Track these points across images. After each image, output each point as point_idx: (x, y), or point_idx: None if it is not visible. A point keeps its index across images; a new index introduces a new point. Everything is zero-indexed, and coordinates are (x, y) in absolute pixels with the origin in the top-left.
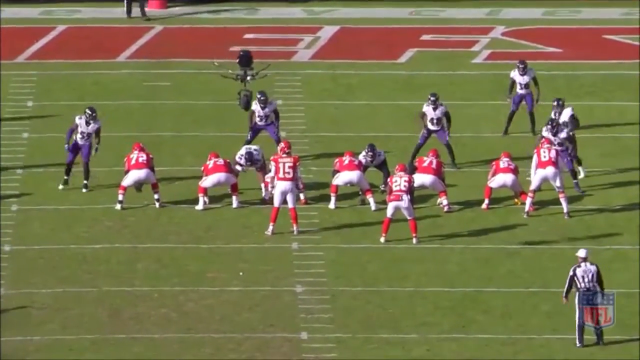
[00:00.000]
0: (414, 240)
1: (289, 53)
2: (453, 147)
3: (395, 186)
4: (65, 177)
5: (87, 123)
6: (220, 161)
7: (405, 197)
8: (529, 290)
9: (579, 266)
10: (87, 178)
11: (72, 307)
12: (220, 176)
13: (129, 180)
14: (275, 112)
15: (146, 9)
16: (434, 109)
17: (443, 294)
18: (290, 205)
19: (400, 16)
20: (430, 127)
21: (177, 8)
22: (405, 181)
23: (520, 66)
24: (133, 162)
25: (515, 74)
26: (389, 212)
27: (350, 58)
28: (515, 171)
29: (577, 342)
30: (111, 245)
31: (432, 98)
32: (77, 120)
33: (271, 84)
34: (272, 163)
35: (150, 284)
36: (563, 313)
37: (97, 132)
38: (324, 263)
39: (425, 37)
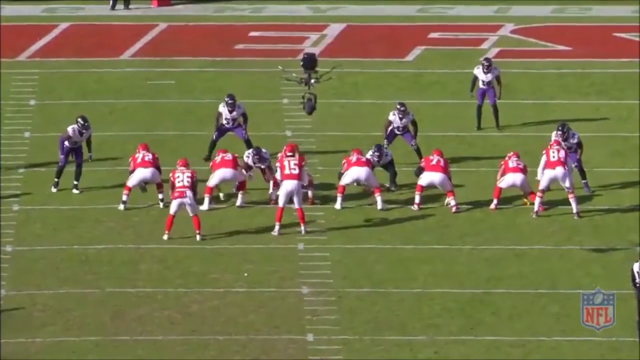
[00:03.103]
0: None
1: (294, 51)
2: (457, 145)
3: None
4: (57, 180)
5: (80, 133)
6: (228, 156)
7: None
8: (538, 292)
9: (637, 261)
10: (78, 179)
11: (75, 308)
12: (226, 172)
13: (134, 179)
14: (244, 116)
15: (130, 3)
16: (401, 119)
17: (451, 295)
18: (296, 205)
19: (408, 14)
20: (396, 132)
21: (181, 5)
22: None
23: (485, 64)
24: (139, 160)
25: (478, 72)
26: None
27: (356, 56)
28: (524, 170)
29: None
30: (114, 246)
31: (400, 108)
32: (70, 131)
33: (278, 81)
34: (277, 164)
35: (153, 285)
36: (572, 315)
37: (89, 139)
38: (330, 264)
39: (433, 35)
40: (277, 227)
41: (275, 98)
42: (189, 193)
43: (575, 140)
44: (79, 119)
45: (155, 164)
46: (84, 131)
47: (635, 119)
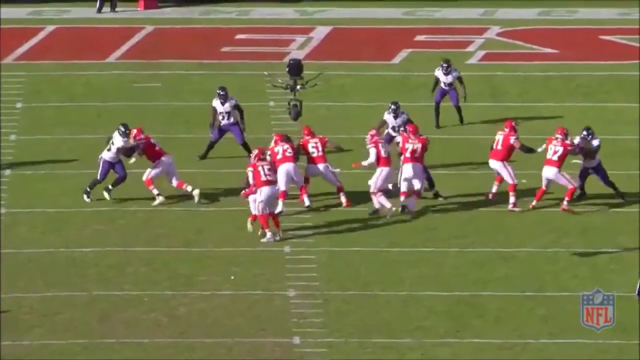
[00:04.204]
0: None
1: (281, 54)
2: (444, 148)
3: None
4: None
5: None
6: (290, 150)
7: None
8: (525, 294)
9: None
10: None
11: (62, 311)
12: (289, 167)
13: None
14: (239, 109)
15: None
16: (395, 118)
17: (438, 298)
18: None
19: (394, 16)
20: (392, 133)
21: (168, 8)
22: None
23: (444, 65)
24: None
25: (439, 73)
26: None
27: (343, 59)
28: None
29: None
30: (101, 249)
31: (392, 107)
32: (122, 142)
33: (264, 84)
34: (250, 168)
35: (140, 288)
36: (559, 317)
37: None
38: (317, 267)
39: (419, 38)
40: (268, 234)
41: (262, 101)
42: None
43: (596, 145)
44: (121, 127)
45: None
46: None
47: (623, 121)
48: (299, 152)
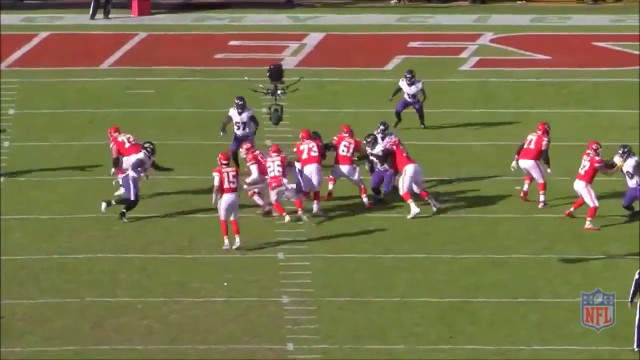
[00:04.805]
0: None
1: (274, 60)
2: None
3: (270, 171)
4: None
5: (149, 157)
6: (315, 150)
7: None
8: (517, 301)
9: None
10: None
11: (54, 318)
12: (312, 169)
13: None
14: (255, 121)
15: (110, 12)
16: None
17: (430, 304)
18: (232, 217)
19: (387, 23)
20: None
21: (161, 15)
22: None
23: (408, 76)
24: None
25: (403, 84)
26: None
27: (336, 65)
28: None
29: (635, 346)
30: (94, 255)
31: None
32: (143, 156)
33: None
34: (216, 173)
35: (133, 294)
36: (551, 323)
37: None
38: (310, 273)
39: (412, 44)
40: (226, 241)
41: (255, 107)
42: (284, 180)
43: (632, 164)
44: (147, 145)
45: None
46: (152, 156)
47: (616, 128)
48: (328, 149)
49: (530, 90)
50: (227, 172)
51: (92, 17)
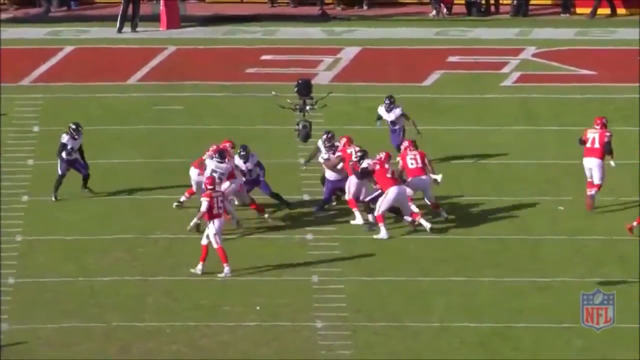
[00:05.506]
0: None
1: (308, 75)
2: (477, 174)
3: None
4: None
5: (74, 138)
6: (418, 160)
7: None
8: (562, 326)
9: None
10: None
11: (79, 342)
12: (399, 189)
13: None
14: (260, 165)
15: (138, 25)
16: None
17: (470, 329)
18: (218, 244)
19: (425, 36)
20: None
21: (191, 28)
22: None
23: (386, 102)
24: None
25: (381, 110)
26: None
27: (372, 80)
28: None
29: None
30: (120, 278)
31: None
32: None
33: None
34: (206, 198)
35: (161, 318)
36: (597, 349)
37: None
38: (345, 297)
39: (451, 59)
40: (226, 268)
41: (288, 124)
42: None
43: None
44: (71, 124)
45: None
46: (77, 137)
47: None
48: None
49: (574, 106)
50: (217, 197)
51: (119, 30)
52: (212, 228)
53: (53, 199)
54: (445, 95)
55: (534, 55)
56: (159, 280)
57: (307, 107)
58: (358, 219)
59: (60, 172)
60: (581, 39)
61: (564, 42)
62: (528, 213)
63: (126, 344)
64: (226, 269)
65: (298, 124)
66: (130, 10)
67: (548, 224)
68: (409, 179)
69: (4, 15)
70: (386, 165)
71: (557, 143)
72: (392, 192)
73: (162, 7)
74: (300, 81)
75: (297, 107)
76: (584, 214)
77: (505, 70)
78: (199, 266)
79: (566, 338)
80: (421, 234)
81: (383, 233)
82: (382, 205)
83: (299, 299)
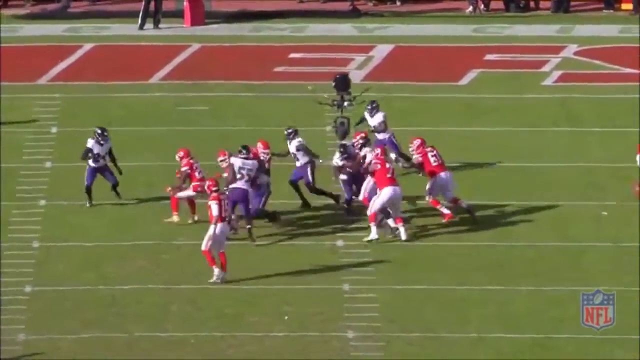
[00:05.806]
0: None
1: (339, 74)
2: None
3: None
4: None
5: (99, 143)
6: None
7: None
8: (604, 337)
9: None
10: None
11: (100, 353)
12: (396, 191)
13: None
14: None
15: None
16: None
17: (508, 340)
18: (221, 249)
19: (462, 33)
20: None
21: (216, 25)
22: None
23: (368, 107)
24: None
25: (366, 113)
26: None
27: (405, 80)
28: None
29: None
30: (142, 286)
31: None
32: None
33: (321, 106)
34: (215, 201)
35: (185, 328)
36: None
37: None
38: (378, 306)
39: (489, 57)
40: (216, 271)
41: (317, 125)
42: None
43: None
44: (97, 129)
45: None
46: (102, 142)
47: None
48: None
49: (617, 107)
50: (224, 200)
51: (141, 27)
52: (211, 230)
53: (88, 205)
54: (482, 95)
55: (575, 53)
56: (183, 288)
57: (345, 103)
58: (373, 234)
59: (87, 183)
60: (625, 36)
61: (607, 39)
62: (569, 219)
63: (148, 354)
64: (215, 271)
65: (335, 121)
66: (152, 6)
67: (591, 231)
68: (432, 180)
69: (21, 11)
70: (387, 165)
71: (599, 145)
72: (386, 192)
73: (185, 3)
74: (338, 76)
75: (335, 102)
76: (628, 220)
77: (546, 69)
78: (215, 272)
79: (609, 349)
80: (454, 241)
81: (374, 233)
82: (374, 205)
83: (329, 308)
